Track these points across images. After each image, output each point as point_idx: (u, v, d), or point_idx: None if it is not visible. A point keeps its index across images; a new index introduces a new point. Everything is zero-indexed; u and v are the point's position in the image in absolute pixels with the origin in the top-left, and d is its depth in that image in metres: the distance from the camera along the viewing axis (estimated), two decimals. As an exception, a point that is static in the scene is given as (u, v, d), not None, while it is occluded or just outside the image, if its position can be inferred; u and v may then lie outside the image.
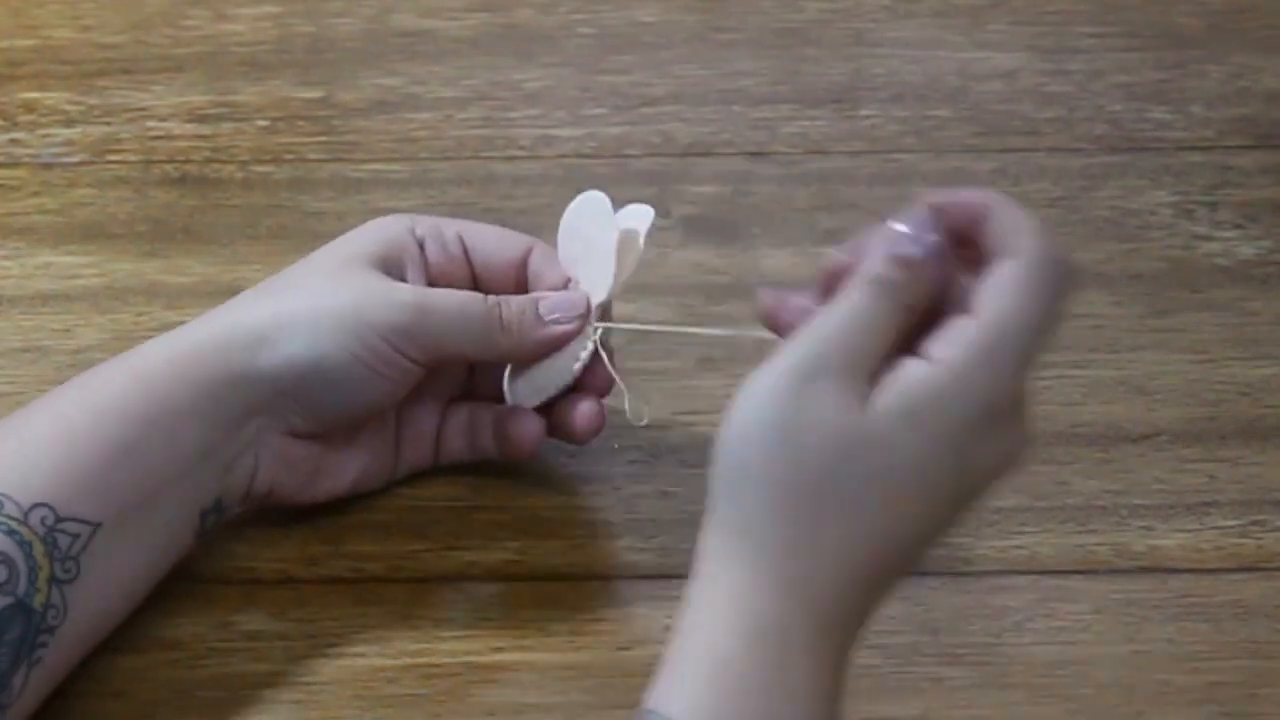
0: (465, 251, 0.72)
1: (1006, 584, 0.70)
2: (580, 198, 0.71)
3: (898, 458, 0.55)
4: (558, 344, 0.70)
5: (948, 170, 0.86)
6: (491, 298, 0.69)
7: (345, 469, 0.71)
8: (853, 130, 0.89)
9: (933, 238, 0.57)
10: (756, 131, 0.89)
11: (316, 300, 0.68)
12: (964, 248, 0.58)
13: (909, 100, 0.90)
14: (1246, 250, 0.83)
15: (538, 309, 0.70)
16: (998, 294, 0.56)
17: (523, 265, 0.72)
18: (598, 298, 0.70)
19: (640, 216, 0.71)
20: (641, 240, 0.70)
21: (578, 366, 0.70)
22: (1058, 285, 0.57)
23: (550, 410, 0.71)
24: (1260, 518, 0.72)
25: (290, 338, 0.67)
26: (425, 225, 0.71)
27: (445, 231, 0.71)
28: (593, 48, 0.93)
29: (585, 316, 0.70)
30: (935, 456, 0.55)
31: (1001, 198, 0.58)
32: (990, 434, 0.56)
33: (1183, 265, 0.82)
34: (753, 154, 0.88)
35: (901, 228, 0.58)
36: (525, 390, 0.71)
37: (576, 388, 0.70)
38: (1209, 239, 0.83)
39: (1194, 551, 0.71)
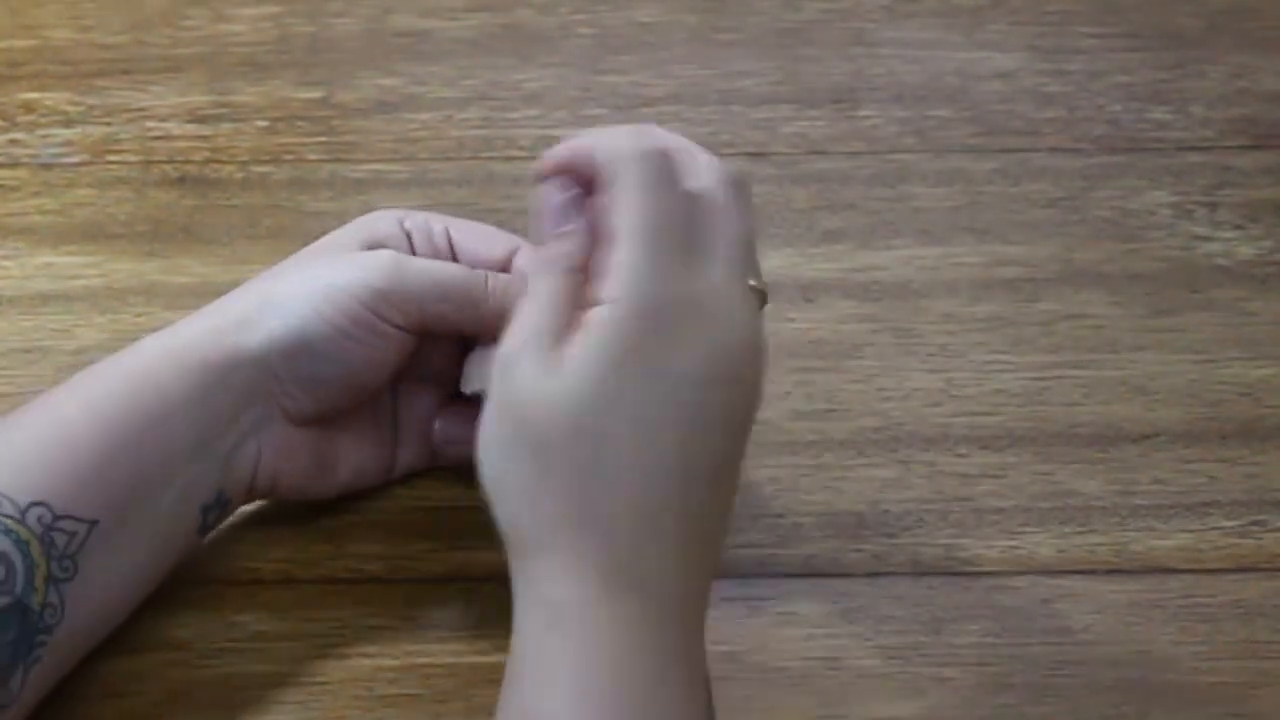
0: (452, 248, 0.72)
1: (1006, 584, 0.70)
2: None
3: (594, 399, 0.57)
4: None
5: (948, 170, 0.86)
6: (478, 270, 0.70)
7: (345, 459, 0.71)
8: (852, 130, 0.89)
9: (562, 205, 0.63)
10: (756, 132, 0.89)
11: (300, 279, 0.68)
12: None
13: (909, 100, 0.90)
14: (1246, 250, 0.83)
15: (525, 282, 0.70)
16: (615, 213, 0.60)
17: (506, 263, 0.72)
18: None
19: None
20: None
21: None
22: (650, 172, 0.60)
23: None
24: (1260, 518, 0.72)
25: (272, 316, 0.67)
26: (414, 220, 0.71)
27: (434, 226, 0.71)
28: (593, 48, 0.93)
29: None
30: (631, 381, 0.58)
31: (598, 133, 0.63)
32: (677, 337, 0.58)
33: (1183, 265, 0.82)
34: (752, 154, 0.88)
35: (548, 204, 0.63)
36: (477, 373, 0.70)
37: None
38: (1209, 239, 0.83)
39: (1194, 551, 0.71)
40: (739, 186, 0.63)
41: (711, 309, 0.59)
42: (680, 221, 0.60)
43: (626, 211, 0.59)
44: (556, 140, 0.87)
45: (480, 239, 0.72)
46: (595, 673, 0.57)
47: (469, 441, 0.71)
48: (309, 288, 0.67)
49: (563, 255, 0.61)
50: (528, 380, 0.58)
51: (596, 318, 0.58)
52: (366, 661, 0.68)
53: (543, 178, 0.64)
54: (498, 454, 0.59)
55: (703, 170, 0.63)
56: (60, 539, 0.62)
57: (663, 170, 0.61)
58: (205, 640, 0.68)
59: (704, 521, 0.59)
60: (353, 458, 0.71)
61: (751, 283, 0.62)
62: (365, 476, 0.72)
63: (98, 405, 0.65)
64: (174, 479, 0.66)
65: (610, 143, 0.61)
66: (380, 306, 0.67)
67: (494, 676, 0.67)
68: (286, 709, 0.67)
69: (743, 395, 0.60)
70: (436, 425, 0.72)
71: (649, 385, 0.58)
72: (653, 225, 0.59)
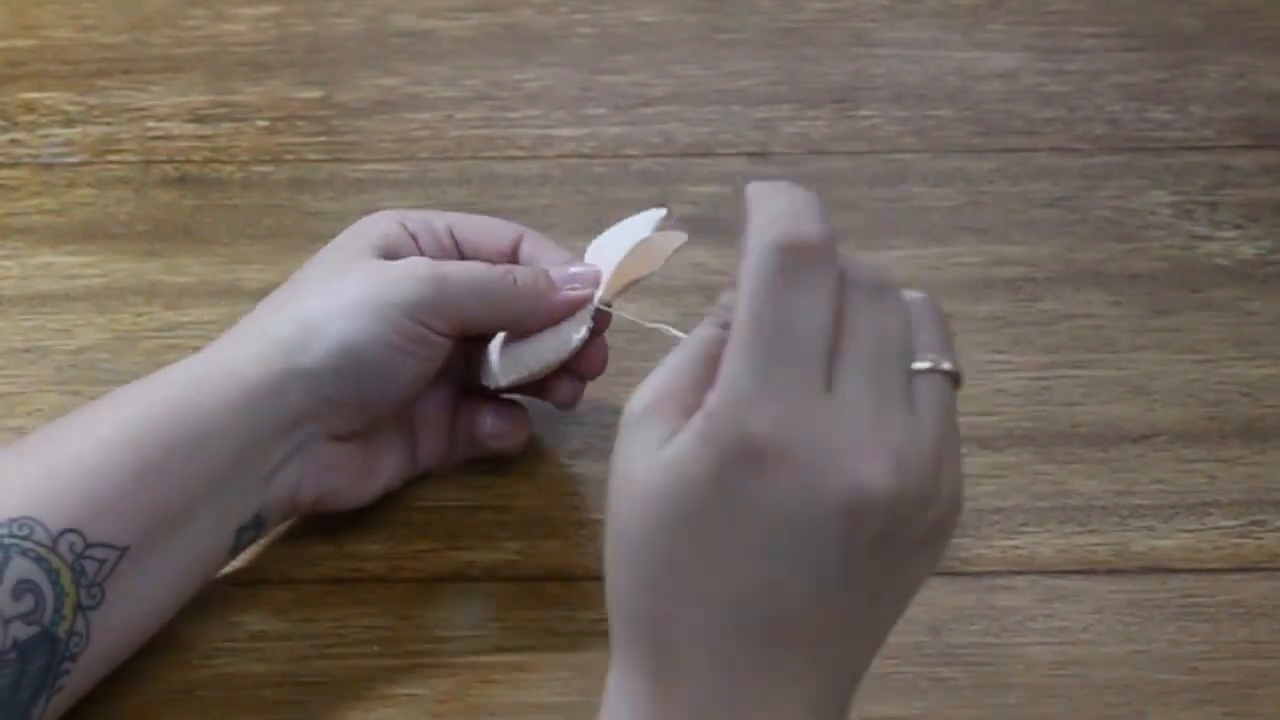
0: (456, 243, 0.72)
1: (1006, 584, 0.70)
2: (644, 213, 0.71)
3: (685, 494, 0.50)
4: (570, 310, 0.69)
5: (948, 170, 0.86)
6: (500, 266, 0.69)
7: (382, 465, 0.71)
8: (853, 130, 0.89)
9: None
10: (756, 131, 0.89)
11: (340, 296, 0.67)
12: None
13: (909, 100, 0.90)
14: (1246, 250, 0.83)
15: (549, 276, 0.70)
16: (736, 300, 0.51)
17: (513, 254, 0.72)
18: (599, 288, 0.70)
19: (672, 235, 0.71)
20: (660, 256, 0.70)
21: (565, 351, 0.69)
22: (768, 270, 0.51)
23: (537, 386, 0.71)
24: (1260, 518, 0.72)
25: (322, 337, 0.66)
26: (414, 220, 0.71)
27: (436, 224, 0.71)
28: (593, 48, 0.93)
29: (596, 286, 0.69)
30: (706, 505, 0.50)
31: (764, 198, 0.53)
32: (767, 473, 0.49)
33: (1183, 265, 0.82)
34: (753, 154, 0.88)
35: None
36: (507, 365, 0.70)
37: (568, 369, 0.70)
38: (1209, 239, 0.83)
39: (1194, 551, 0.71)
40: (882, 291, 0.52)
41: (824, 439, 0.49)
42: (800, 332, 0.50)
43: (741, 301, 0.51)
44: (557, 140, 0.88)
45: (482, 232, 0.72)
46: None
47: (512, 434, 0.72)
48: (352, 306, 0.67)
49: (722, 307, 0.52)
50: (637, 448, 0.51)
51: (693, 424, 0.50)
52: (366, 661, 0.68)
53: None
54: (610, 514, 0.52)
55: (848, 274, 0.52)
56: (91, 566, 0.62)
57: (788, 269, 0.51)
58: (205, 640, 0.68)
59: (757, 676, 0.51)
60: (390, 464, 0.71)
61: (920, 365, 0.51)
62: (398, 479, 0.72)
63: (135, 431, 0.64)
64: (210, 503, 0.65)
65: (759, 219, 0.52)
66: (427, 317, 0.67)
67: (493, 676, 0.67)
68: (286, 709, 0.67)
69: (852, 549, 0.50)
70: (486, 421, 0.72)
71: (726, 514, 0.49)
72: (764, 333, 0.50)
